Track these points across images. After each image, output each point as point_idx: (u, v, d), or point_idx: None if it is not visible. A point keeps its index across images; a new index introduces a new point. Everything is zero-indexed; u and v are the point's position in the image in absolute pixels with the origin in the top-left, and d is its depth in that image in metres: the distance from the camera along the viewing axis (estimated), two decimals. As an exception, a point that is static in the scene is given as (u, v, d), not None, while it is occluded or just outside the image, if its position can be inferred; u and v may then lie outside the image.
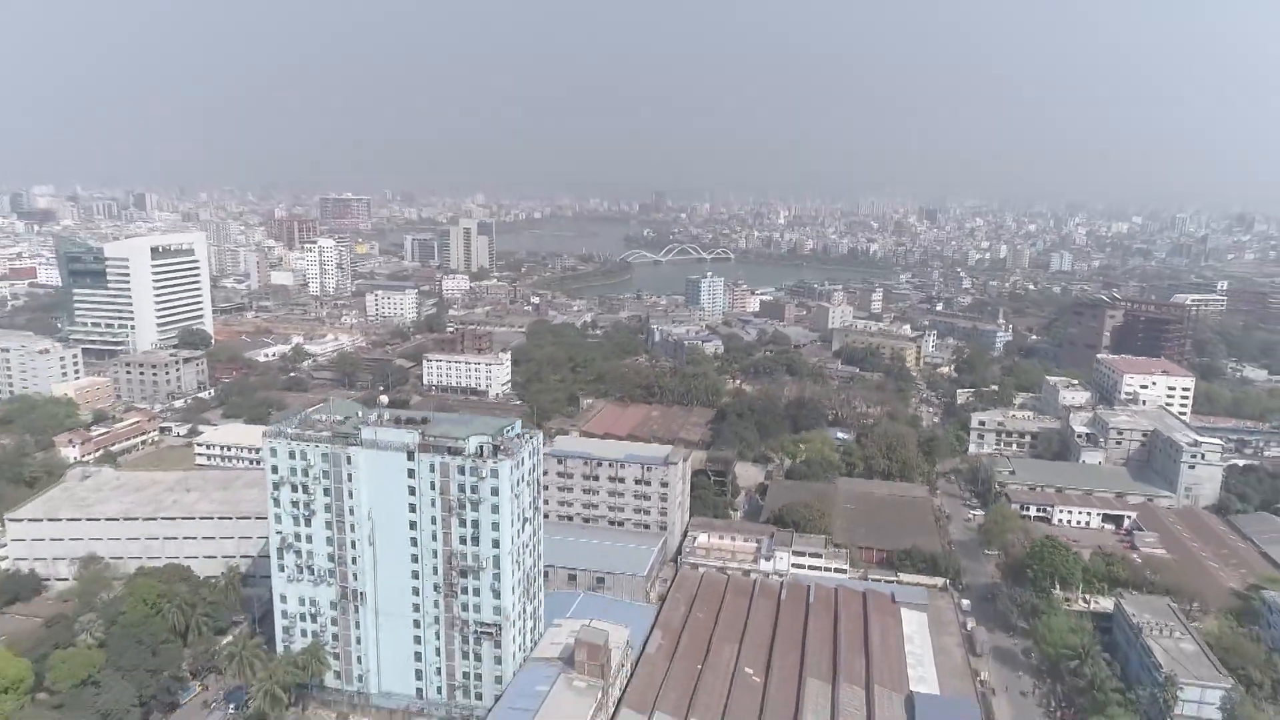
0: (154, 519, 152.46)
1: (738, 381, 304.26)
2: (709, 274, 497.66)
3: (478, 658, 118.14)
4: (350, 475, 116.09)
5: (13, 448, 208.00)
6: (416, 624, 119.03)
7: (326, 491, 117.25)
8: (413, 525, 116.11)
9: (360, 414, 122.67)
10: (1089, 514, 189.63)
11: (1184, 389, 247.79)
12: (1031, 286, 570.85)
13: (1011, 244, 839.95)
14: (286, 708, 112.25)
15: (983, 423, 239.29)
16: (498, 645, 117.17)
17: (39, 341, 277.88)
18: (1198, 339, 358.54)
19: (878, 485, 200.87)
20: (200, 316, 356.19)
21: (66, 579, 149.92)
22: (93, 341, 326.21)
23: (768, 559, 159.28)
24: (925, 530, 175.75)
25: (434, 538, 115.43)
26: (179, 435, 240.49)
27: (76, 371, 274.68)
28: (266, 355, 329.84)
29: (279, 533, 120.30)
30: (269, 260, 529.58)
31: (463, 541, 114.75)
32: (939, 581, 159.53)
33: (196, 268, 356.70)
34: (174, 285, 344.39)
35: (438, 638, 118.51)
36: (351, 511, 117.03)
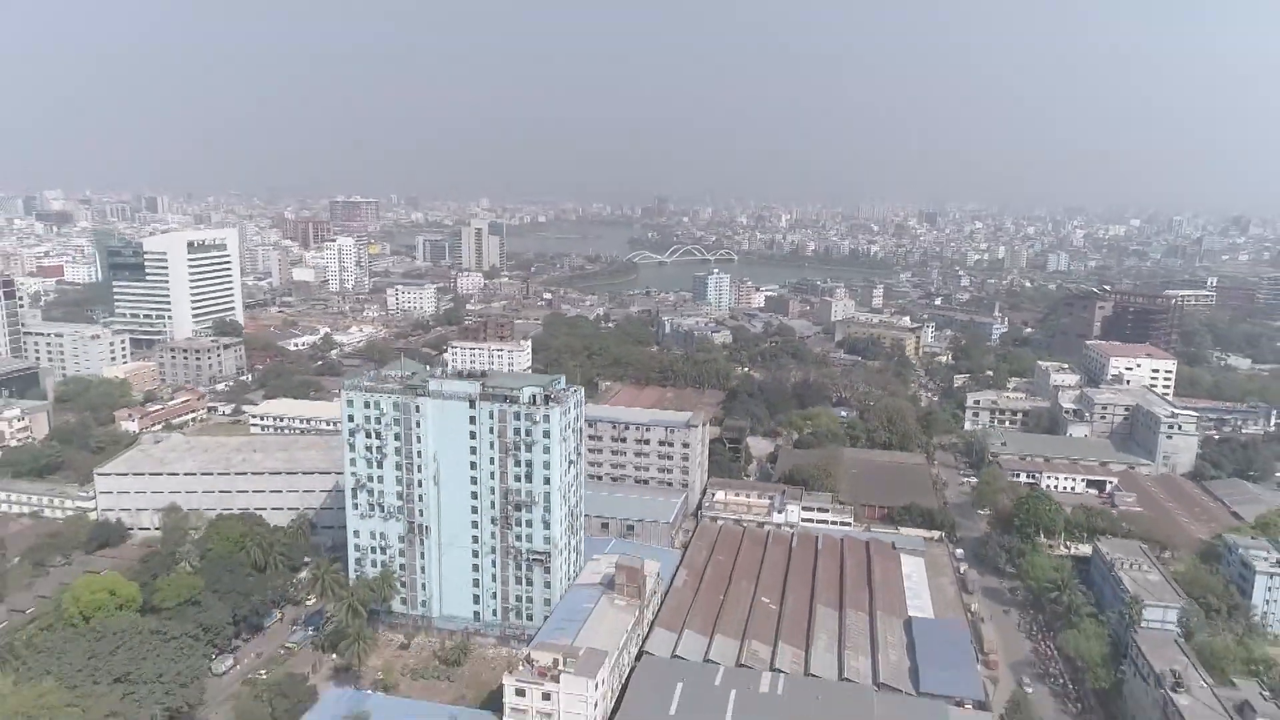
0: (227, 474, 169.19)
1: (746, 369, 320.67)
2: (715, 270, 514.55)
3: (529, 583, 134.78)
4: (418, 422, 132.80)
5: (78, 421, 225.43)
6: (475, 554, 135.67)
7: (397, 437, 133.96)
8: (473, 465, 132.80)
9: (427, 369, 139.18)
10: (1074, 480, 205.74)
11: (1166, 371, 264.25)
12: (1028, 284, 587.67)
13: (1010, 245, 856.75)
14: (364, 625, 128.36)
15: (977, 401, 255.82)
16: (547, 571, 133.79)
17: (90, 328, 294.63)
18: (1185, 330, 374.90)
19: (879, 454, 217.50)
20: (232, 308, 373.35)
21: (148, 528, 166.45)
22: (131, 331, 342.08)
23: (780, 512, 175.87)
24: (923, 491, 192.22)
25: (492, 476, 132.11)
26: (224, 414, 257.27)
27: (124, 356, 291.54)
28: (297, 345, 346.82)
29: (353, 474, 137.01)
30: (289, 258, 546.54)
31: (517, 479, 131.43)
32: (935, 534, 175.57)
33: (229, 262, 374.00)
34: (208, 278, 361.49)
35: (494, 565, 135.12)
36: (419, 454, 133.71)
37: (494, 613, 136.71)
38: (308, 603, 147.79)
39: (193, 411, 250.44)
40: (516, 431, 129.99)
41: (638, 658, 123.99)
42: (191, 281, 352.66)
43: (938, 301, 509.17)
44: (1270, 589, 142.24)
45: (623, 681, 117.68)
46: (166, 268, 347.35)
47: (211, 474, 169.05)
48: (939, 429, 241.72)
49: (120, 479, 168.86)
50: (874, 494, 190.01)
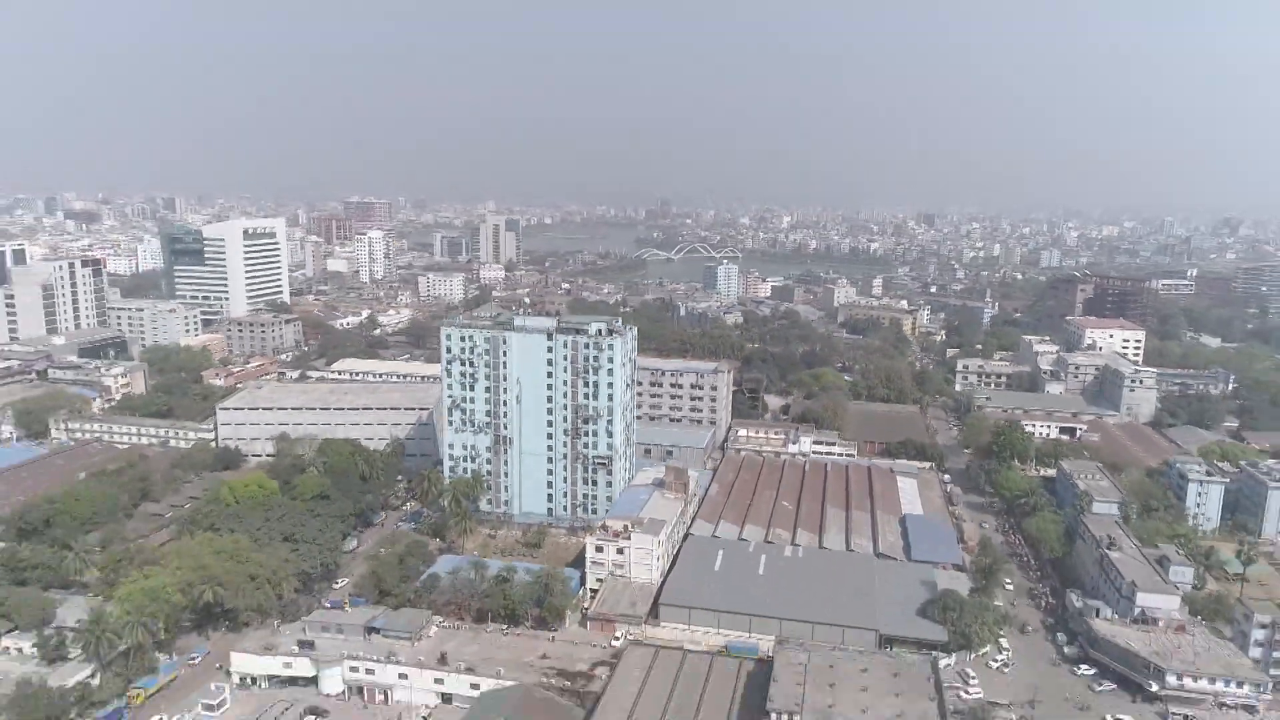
0: (328, 408, 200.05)
1: (756, 345, 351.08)
2: (724, 262, 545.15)
3: (594, 483, 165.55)
4: (504, 352, 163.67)
5: (172, 379, 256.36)
6: (549, 460, 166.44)
7: (487, 364, 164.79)
8: (549, 387, 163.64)
9: (514, 309, 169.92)
10: (1049, 427, 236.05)
11: (1136, 340, 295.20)
12: (1019, 276, 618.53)
13: (1005, 244, 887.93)
14: (466, 511, 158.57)
15: (966, 366, 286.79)
16: (609, 473, 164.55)
17: (166, 304, 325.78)
18: (1162, 313, 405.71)
19: (878, 405, 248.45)
20: (280, 291, 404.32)
21: (260, 455, 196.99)
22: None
23: (794, 444, 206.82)
24: (917, 432, 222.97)
25: (564, 395, 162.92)
26: (292, 377, 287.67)
27: (196, 329, 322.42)
28: (344, 323, 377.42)
29: (450, 396, 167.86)
30: (322, 251, 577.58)
31: (585, 398, 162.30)
32: (927, 464, 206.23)
33: (278, 249, 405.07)
34: (260, 263, 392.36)
35: (565, 469, 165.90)
36: (504, 379, 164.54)
37: (564, 509, 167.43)
38: (405, 508, 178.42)
39: (265, 374, 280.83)
40: (585, 359, 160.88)
41: (684, 539, 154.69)
42: (246, 266, 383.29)
43: (933, 290, 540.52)
44: (1200, 494, 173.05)
45: (673, 555, 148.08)
46: (224, 253, 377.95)
47: (315, 408, 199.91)
48: (932, 388, 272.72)
49: (238, 412, 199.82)
50: (874, 433, 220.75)
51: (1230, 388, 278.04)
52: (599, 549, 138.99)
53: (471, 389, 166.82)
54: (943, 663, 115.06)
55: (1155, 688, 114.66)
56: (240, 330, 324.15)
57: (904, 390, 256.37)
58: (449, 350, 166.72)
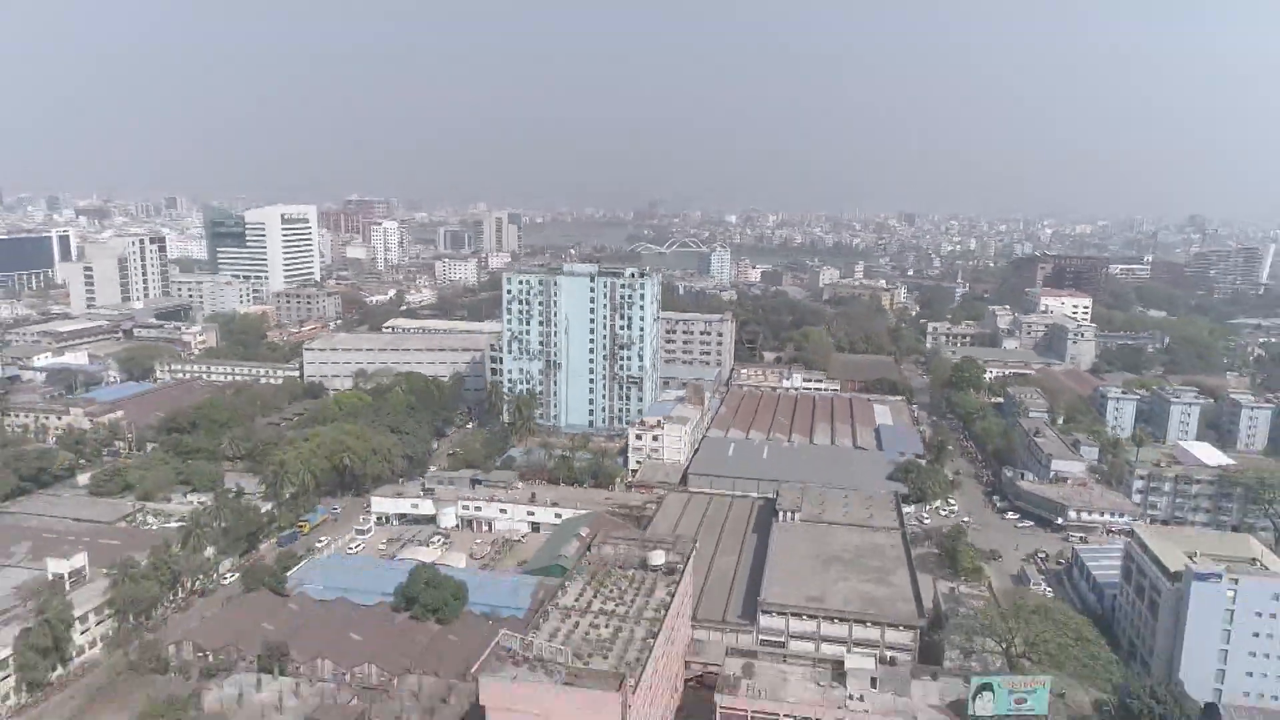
0: (397, 349, 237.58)
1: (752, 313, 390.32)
2: (717, 248, 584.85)
3: (627, 399, 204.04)
4: (555, 293, 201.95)
5: (241, 337, 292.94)
6: (591, 381, 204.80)
7: (540, 303, 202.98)
8: (591, 320, 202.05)
9: (564, 259, 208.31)
10: (1004, 372, 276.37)
11: (1084, 306, 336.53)
12: (992, 265, 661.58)
13: (981, 239, 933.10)
14: (529, 415, 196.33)
15: (935, 329, 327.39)
16: (640, 390, 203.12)
17: (222, 277, 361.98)
18: (1114, 290, 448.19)
19: (858, 356, 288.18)
20: (312, 271, 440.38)
21: (339, 389, 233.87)
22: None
23: (787, 380, 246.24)
24: (891, 374, 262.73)
25: (604, 327, 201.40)
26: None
27: (250, 300, 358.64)
28: (373, 300, 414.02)
29: (509, 329, 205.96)
30: (340, 240, 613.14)
31: (621, 329, 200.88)
32: (898, 398, 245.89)
33: (310, 233, 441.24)
34: (295, 246, 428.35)
35: (604, 388, 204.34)
36: (555, 314, 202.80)
37: (603, 420, 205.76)
38: (468, 426, 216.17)
39: (318, 335, 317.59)
40: (621, 297, 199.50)
41: (701, 440, 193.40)
42: (284, 248, 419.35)
43: (910, 273, 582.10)
44: (1116, 409, 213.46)
45: (693, 449, 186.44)
46: (264, 236, 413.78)
47: (385, 349, 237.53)
48: (905, 345, 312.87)
49: (320, 353, 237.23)
50: (854, 375, 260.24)
51: (1164, 345, 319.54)
52: (638, 437, 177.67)
53: (527, 324, 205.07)
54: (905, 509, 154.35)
55: (1060, 521, 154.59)
56: (288, 301, 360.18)
57: (881, 346, 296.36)
58: (509, 292, 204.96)
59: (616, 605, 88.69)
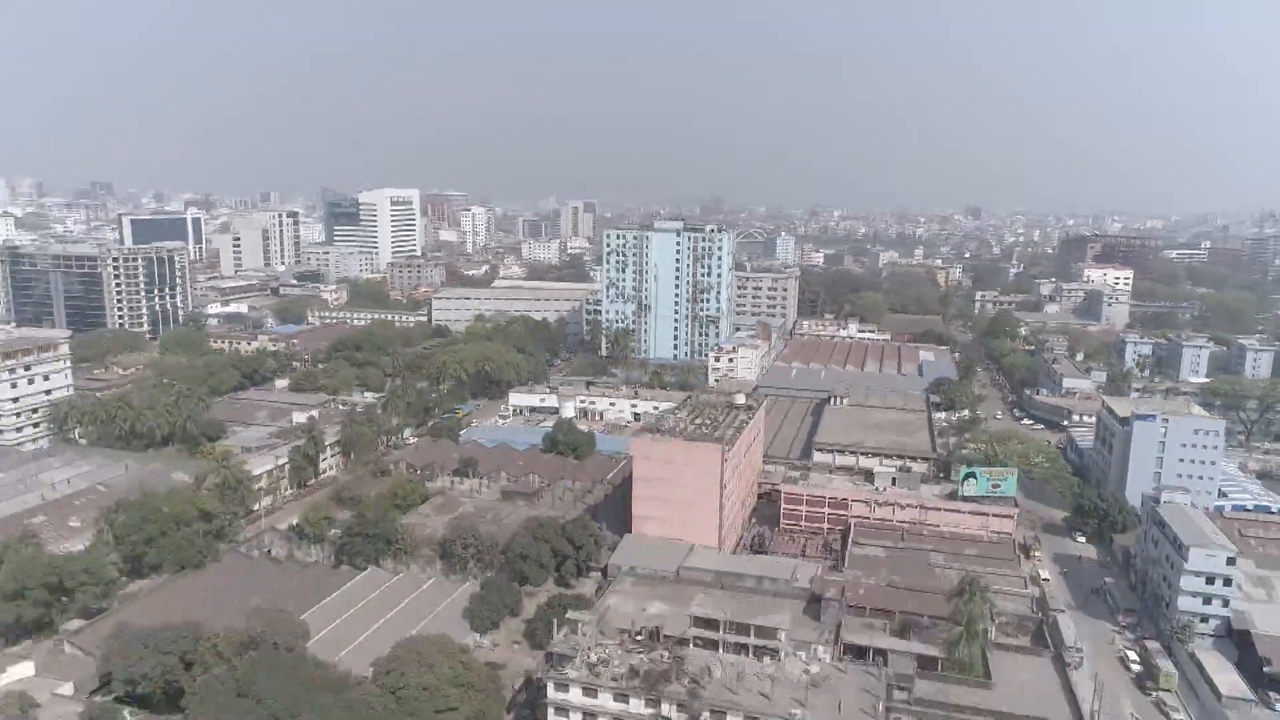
0: (510, 299, 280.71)
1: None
2: (781, 233, 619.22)
3: (705, 335, 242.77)
4: (646, 245, 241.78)
5: (367, 297, 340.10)
6: (675, 319, 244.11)
7: (634, 254, 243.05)
8: (677, 268, 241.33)
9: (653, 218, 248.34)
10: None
11: (1125, 278, 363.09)
12: (1050, 250, 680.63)
13: (1045, 230, 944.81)
14: (627, 346, 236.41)
15: (983, 295, 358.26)
16: (717, 328, 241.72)
17: (346, 247, 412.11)
18: (1165, 271, 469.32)
19: (909, 316, 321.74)
20: (415, 248, 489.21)
21: (461, 332, 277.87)
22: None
23: (844, 330, 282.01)
24: (937, 327, 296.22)
25: (687, 273, 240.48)
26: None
27: (366, 269, 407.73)
28: (471, 273, 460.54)
29: (608, 276, 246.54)
30: (433, 224, 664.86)
31: (702, 275, 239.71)
32: (943, 347, 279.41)
33: (414, 213, 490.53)
34: (401, 224, 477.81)
35: (686, 325, 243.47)
36: (646, 263, 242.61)
37: (685, 354, 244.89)
38: (571, 359, 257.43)
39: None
40: (702, 249, 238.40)
41: (767, 370, 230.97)
42: (392, 227, 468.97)
43: (967, 255, 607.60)
44: (1135, 352, 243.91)
45: (761, 373, 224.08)
46: (375, 216, 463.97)
47: (500, 299, 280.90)
48: (954, 309, 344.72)
49: (447, 300, 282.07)
50: (904, 329, 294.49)
51: (1198, 313, 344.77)
52: (716, 360, 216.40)
53: (623, 272, 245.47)
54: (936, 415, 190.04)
55: (1065, 424, 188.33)
56: (399, 270, 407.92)
57: (931, 309, 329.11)
58: (609, 246, 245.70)
59: (712, 422, 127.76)
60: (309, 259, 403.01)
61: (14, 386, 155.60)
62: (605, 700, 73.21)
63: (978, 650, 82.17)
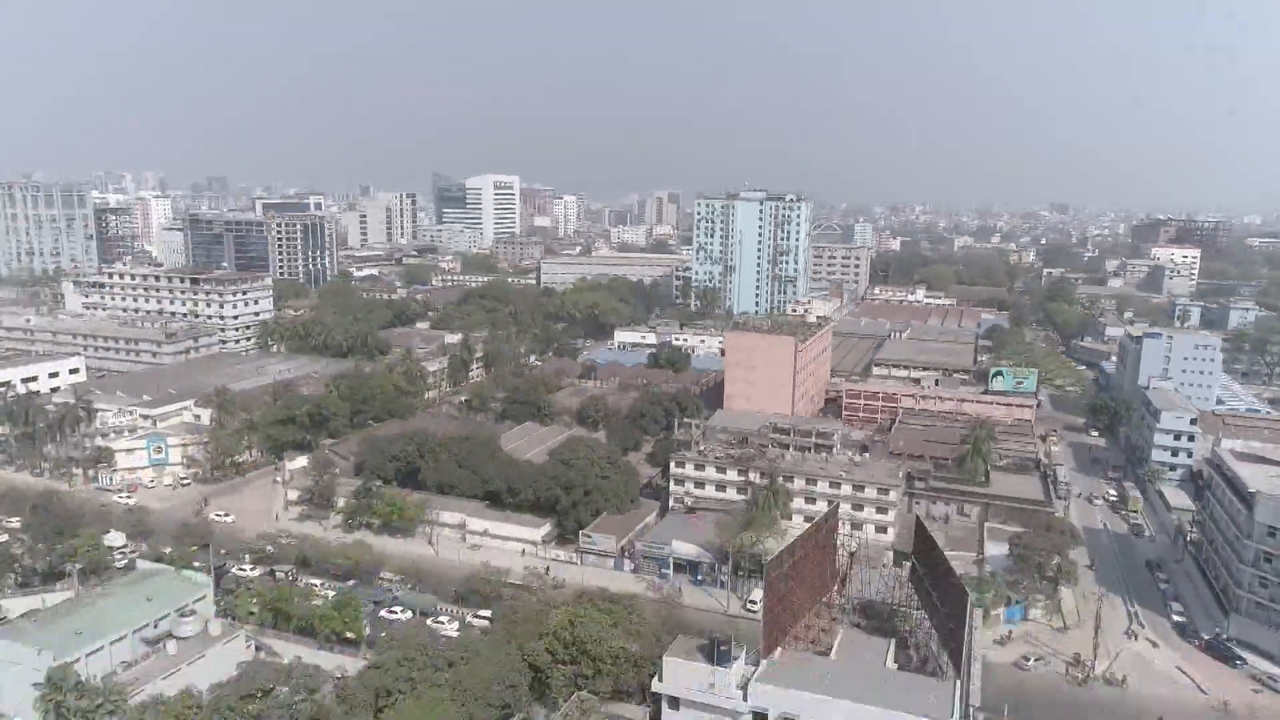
0: (607, 264, 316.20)
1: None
2: (860, 220, 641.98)
3: (784, 293, 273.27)
4: (732, 213, 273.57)
5: (480, 266, 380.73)
6: (757, 279, 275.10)
7: (721, 221, 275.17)
8: (759, 233, 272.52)
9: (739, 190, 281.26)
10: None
11: (1191, 256, 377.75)
12: (1129, 240, 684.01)
13: (1129, 223, 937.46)
14: (716, 302, 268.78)
15: (1050, 272, 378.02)
16: (795, 287, 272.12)
17: (458, 225, 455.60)
18: (1241, 256, 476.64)
19: (976, 287, 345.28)
20: (514, 229, 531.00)
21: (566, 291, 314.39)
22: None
23: (912, 295, 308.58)
24: (1001, 295, 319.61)
25: (769, 237, 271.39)
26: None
27: (474, 245, 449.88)
28: (567, 253, 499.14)
29: (697, 241, 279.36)
30: (527, 212, 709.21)
31: (781, 239, 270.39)
32: (1005, 312, 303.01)
33: (514, 197, 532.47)
34: (503, 207, 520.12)
35: (767, 284, 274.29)
36: (732, 229, 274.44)
37: (765, 309, 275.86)
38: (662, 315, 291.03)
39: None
40: (782, 215, 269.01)
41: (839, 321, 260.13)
42: (495, 209, 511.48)
43: (1043, 242, 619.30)
44: (1181, 311, 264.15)
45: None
46: (480, 199, 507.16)
47: (599, 264, 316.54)
48: (1021, 282, 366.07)
49: (552, 264, 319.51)
50: (970, 298, 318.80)
51: (1260, 289, 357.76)
52: (793, 310, 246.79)
53: (711, 237, 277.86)
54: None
55: (1103, 364, 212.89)
56: (504, 246, 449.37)
57: (998, 283, 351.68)
58: (698, 214, 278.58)
59: (790, 329, 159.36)
60: (424, 236, 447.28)
61: (235, 307, 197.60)
62: (710, 472, 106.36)
63: (980, 464, 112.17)
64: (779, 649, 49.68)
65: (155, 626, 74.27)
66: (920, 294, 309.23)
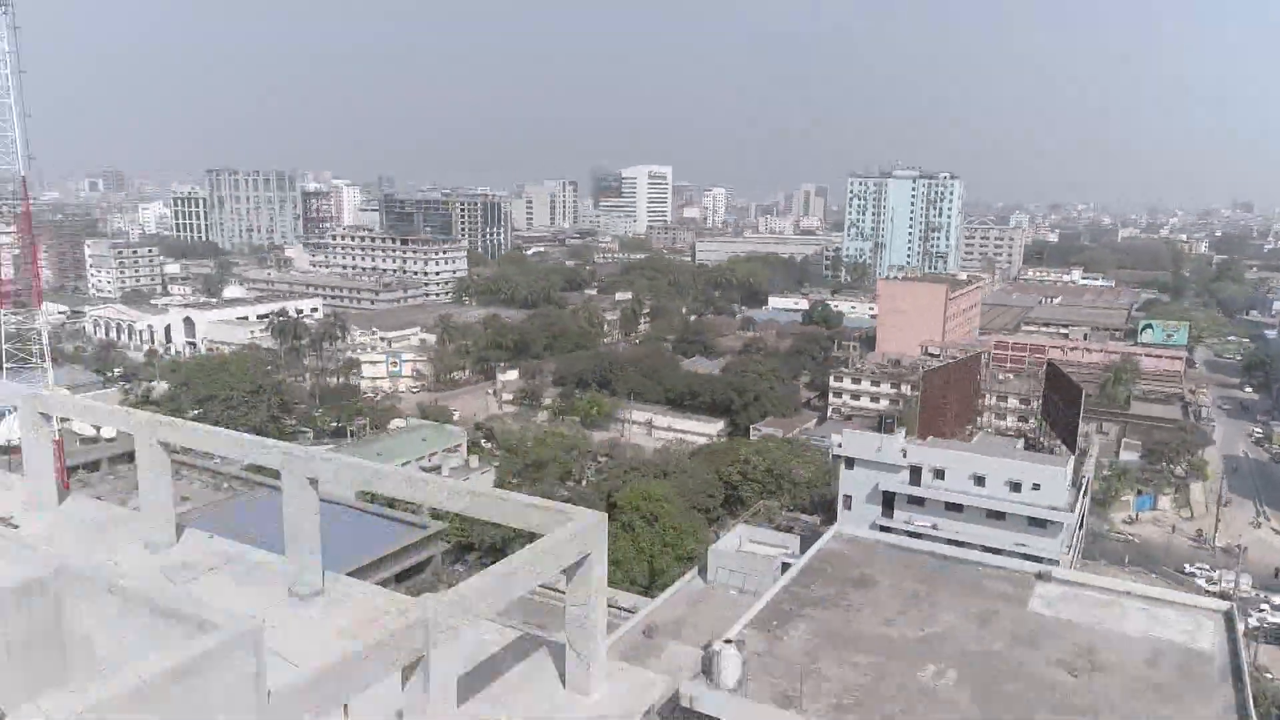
0: (758, 243, 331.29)
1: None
2: (1017, 211, 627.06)
3: (935, 268, 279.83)
4: (884, 191, 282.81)
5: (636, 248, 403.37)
6: (908, 256, 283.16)
7: (874, 199, 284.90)
8: (911, 209, 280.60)
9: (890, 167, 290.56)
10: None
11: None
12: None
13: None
14: (866, 269, 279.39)
15: (1220, 259, 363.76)
16: (945, 263, 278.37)
17: (614, 213, 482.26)
18: None
19: (1137, 272, 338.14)
20: (666, 218, 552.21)
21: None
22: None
23: (1067, 275, 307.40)
24: (1163, 277, 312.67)
25: (920, 214, 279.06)
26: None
27: (630, 230, 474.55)
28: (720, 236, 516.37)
29: (850, 218, 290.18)
30: (678, 201, 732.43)
31: (934, 216, 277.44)
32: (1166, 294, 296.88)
33: (667, 187, 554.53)
34: (656, 196, 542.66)
35: (919, 261, 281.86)
36: (884, 206, 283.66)
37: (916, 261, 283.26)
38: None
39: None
40: (936, 192, 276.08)
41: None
42: (648, 198, 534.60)
43: (1218, 234, 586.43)
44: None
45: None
46: (635, 189, 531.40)
47: (750, 243, 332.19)
48: (1188, 268, 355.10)
49: (706, 243, 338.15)
50: (1129, 281, 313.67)
51: None
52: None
53: (863, 214, 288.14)
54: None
55: (1267, 333, 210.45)
56: (658, 231, 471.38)
57: (1162, 267, 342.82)
58: (851, 192, 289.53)
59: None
60: (584, 220, 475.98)
61: (436, 264, 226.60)
62: (865, 385, 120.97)
63: (1123, 392, 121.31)
64: (930, 437, 64.64)
65: (429, 460, 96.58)
66: (1076, 275, 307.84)
